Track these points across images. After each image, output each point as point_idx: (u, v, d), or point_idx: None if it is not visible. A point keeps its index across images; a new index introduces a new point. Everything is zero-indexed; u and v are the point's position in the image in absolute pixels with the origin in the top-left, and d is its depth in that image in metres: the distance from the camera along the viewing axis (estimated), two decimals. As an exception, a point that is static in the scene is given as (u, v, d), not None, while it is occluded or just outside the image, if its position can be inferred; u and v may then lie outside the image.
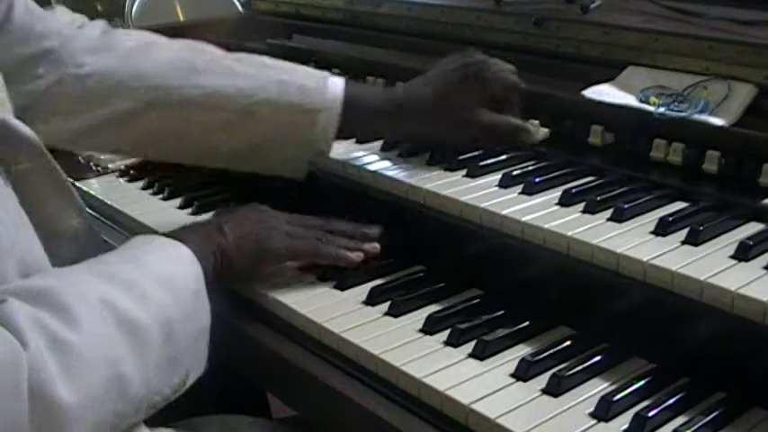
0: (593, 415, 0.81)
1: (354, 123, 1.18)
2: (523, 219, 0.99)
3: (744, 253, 0.88)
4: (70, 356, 0.75)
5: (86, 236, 0.98)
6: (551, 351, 0.90)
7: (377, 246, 1.09)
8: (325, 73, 1.20)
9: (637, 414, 0.79)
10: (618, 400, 0.82)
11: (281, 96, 1.15)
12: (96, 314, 0.79)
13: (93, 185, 1.47)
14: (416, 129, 1.18)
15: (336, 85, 1.16)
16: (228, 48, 1.76)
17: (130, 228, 1.30)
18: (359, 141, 1.27)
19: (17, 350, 0.71)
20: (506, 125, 1.17)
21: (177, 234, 0.97)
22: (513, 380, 0.87)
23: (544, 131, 1.19)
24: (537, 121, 1.20)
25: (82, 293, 0.80)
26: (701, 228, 0.92)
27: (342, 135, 1.19)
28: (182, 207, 1.34)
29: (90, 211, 1.25)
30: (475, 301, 1.01)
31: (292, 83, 1.16)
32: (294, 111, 1.15)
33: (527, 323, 0.95)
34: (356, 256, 1.06)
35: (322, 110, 1.15)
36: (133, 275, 0.86)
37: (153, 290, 0.86)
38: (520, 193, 1.06)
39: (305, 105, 1.15)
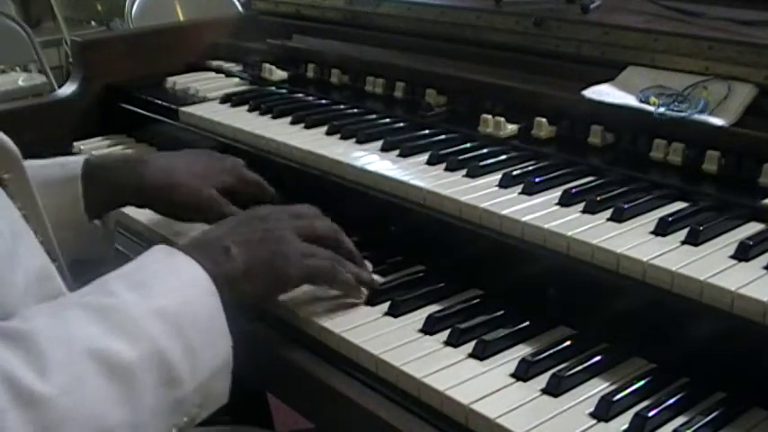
0: (593, 415, 0.81)
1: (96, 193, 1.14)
2: (523, 219, 0.99)
3: (744, 253, 0.88)
4: (40, 413, 0.69)
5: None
6: (551, 351, 0.90)
7: (379, 280, 1.05)
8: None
9: (637, 414, 0.79)
10: (618, 400, 0.82)
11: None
12: (78, 364, 0.73)
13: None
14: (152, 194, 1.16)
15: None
16: (229, 48, 1.77)
17: (129, 227, 1.30)
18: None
19: None
20: (221, 210, 1.16)
21: (192, 252, 0.89)
22: (513, 380, 0.87)
23: None
24: None
25: (66, 338, 0.74)
26: (701, 228, 0.92)
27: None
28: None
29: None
30: (475, 301, 1.01)
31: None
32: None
33: (527, 323, 0.95)
34: (363, 293, 1.01)
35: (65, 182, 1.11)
36: (133, 311, 0.79)
37: (153, 327, 0.79)
38: (520, 193, 1.06)
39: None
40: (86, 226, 1.13)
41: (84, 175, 1.13)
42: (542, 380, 0.86)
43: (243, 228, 0.97)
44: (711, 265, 0.86)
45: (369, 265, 1.06)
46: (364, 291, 1.01)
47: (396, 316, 0.99)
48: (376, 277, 1.05)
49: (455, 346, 0.92)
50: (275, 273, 0.94)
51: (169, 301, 0.82)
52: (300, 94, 1.54)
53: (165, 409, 0.78)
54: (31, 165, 0.95)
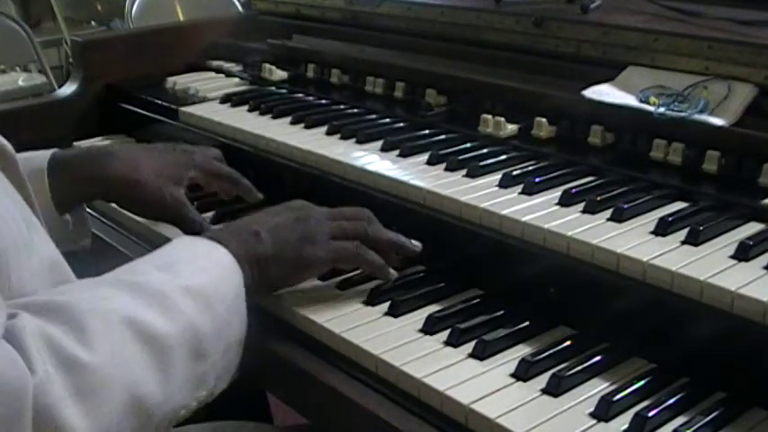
0: (593, 415, 0.81)
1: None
2: (523, 219, 0.99)
3: (744, 253, 0.88)
4: (82, 378, 0.71)
5: None
6: (551, 351, 0.90)
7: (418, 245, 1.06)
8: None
9: (637, 414, 0.79)
10: (618, 400, 0.82)
11: None
12: (116, 333, 0.76)
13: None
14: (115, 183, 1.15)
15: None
16: (229, 48, 1.77)
17: (129, 227, 1.30)
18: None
19: (22, 374, 0.68)
20: (189, 218, 1.16)
21: (218, 236, 0.93)
22: (513, 380, 0.87)
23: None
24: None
25: (102, 309, 0.76)
26: (701, 228, 0.92)
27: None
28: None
29: (89, 210, 1.24)
30: (475, 301, 1.01)
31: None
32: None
33: (527, 323, 0.95)
34: (393, 273, 1.03)
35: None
36: (164, 287, 0.82)
37: (184, 303, 0.82)
38: (520, 193, 1.06)
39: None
40: (57, 220, 1.11)
41: (50, 169, 1.11)
42: (542, 380, 0.86)
43: (272, 216, 1.00)
44: (711, 265, 0.86)
45: (417, 244, 1.06)
46: (393, 272, 1.03)
47: (396, 316, 0.99)
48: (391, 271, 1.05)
49: (455, 346, 0.92)
50: (303, 256, 0.97)
51: (198, 279, 0.85)
52: (300, 94, 1.54)
53: (192, 382, 0.82)
54: None
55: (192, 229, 1.14)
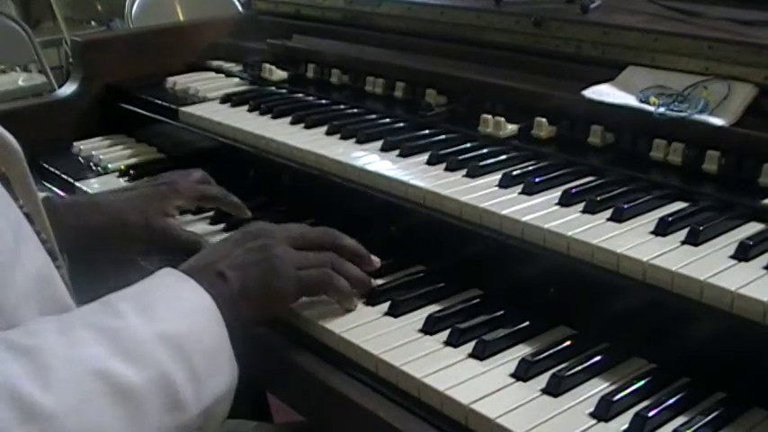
0: (593, 415, 0.81)
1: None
2: (523, 219, 0.99)
3: (744, 253, 0.88)
4: (42, 428, 0.67)
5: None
6: (551, 351, 0.90)
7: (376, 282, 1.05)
8: None
9: (637, 414, 0.79)
10: (618, 400, 0.82)
11: None
12: (84, 384, 0.72)
13: (93, 185, 1.47)
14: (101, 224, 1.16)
15: None
16: (229, 48, 1.77)
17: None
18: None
19: None
20: (183, 240, 1.17)
21: (195, 276, 0.88)
22: (513, 380, 0.87)
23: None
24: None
25: (72, 358, 0.73)
26: (701, 228, 0.92)
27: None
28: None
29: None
30: (475, 301, 1.01)
31: None
32: None
33: (527, 323, 0.95)
34: (355, 303, 1.01)
35: None
36: (140, 334, 0.78)
37: (159, 352, 0.78)
38: (520, 193, 1.06)
39: None
40: None
41: None
42: (542, 380, 0.86)
43: (235, 249, 0.96)
44: (711, 265, 0.86)
45: (376, 260, 1.05)
46: (356, 301, 1.01)
47: (396, 316, 0.99)
48: (377, 281, 1.03)
49: (455, 346, 0.92)
50: (271, 291, 0.94)
51: (175, 326, 0.81)
52: (300, 94, 1.54)
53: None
54: None
55: (189, 249, 1.14)
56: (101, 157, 1.56)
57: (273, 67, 1.63)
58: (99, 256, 1.19)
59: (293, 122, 1.39)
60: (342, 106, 1.45)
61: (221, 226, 1.25)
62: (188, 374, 0.79)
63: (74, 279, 0.93)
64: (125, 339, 0.77)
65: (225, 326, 0.85)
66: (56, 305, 0.82)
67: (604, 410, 0.81)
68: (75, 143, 1.64)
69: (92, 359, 0.74)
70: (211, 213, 1.27)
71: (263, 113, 1.45)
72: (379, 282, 1.05)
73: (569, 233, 0.94)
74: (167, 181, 1.23)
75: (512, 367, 0.88)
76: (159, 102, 1.60)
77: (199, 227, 1.25)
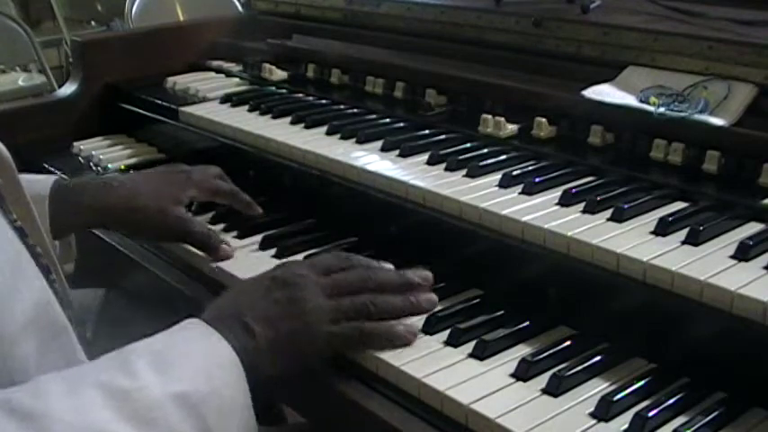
0: (593, 415, 0.81)
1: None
2: (523, 219, 0.99)
3: (744, 253, 0.88)
4: None
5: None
6: (551, 351, 0.90)
7: (434, 298, 0.97)
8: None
9: (637, 414, 0.79)
10: (618, 400, 0.82)
11: None
12: None
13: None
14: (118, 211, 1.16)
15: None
16: (229, 48, 1.77)
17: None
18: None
19: None
20: (196, 231, 1.16)
21: (218, 328, 0.83)
22: (513, 380, 0.87)
23: (226, 250, 1.16)
24: (229, 247, 1.16)
25: (78, 425, 0.70)
26: (701, 228, 0.92)
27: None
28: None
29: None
30: (475, 301, 1.01)
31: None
32: None
33: (527, 323, 0.95)
34: (409, 333, 0.93)
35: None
36: (153, 395, 0.74)
37: (172, 415, 0.73)
38: (520, 193, 1.06)
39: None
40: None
41: (52, 197, 1.12)
42: (542, 380, 0.86)
43: (263, 299, 0.89)
44: (711, 265, 0.86)
45: (424, 274, 0.97)
46: (410, 333, 0.93)
47: (396, 316, 0.99)
48: (433, 297, 0.97)
49: (455, 346, 0.92)
50: (300, 349, 0.88)
51: (194, 385, 0.76)
52: (300, 94, 1.54)
53: None
54: None
55: (202, 242, 1.15)
56: (101, 157, 1.57)
57: (273, 67, 1.63)
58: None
59: (293, 122, 1.39)
60: (342, 106, 1.45)
61: (221, 226, 1.25)
62: None
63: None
64: (136, 402, 0.73)
65: (246, 382, 0.80)
66: (53, 330, 0.80)
67: (604, 410, 0.81)
68: (75, 143, 1.65)
69: (99, 425, 0.70)
70: (212, 213, 1.27)
71: (263, 113, 1.45)
72: (435, 304, 1.00)
73: (569, 233, 0.94)
74: (184, 170, 1.24)
75: (512, 367, 0.88)
76: (159, 102, 1.60)
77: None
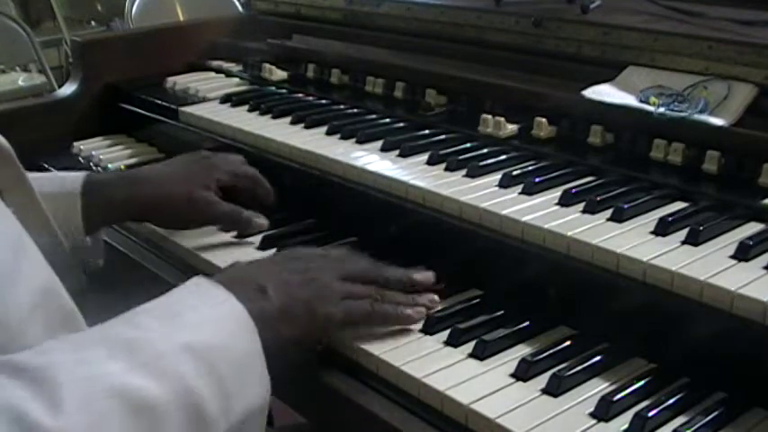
0: (593, 415, 0.81)
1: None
2: (523, 219, 0.99)
3: (744, 253, 0.88)
4: None
5: (52, 256, 0.83)
6: (551, 351, 0.90)
7: (436, 298, 0.99)
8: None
9: (637, 414, 0.79)
10: (618, 400, 0.82)
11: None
12: (98, 403, 0.67)
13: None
14: (148, 201, 1.17)
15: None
16: (229, 48, 1.77)
17: (130, 228, 1.30)
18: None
19: None
20: (226, 210, 1.18)
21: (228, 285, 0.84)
22: (513, 380, 0.87)
23: (260, 223, 1.20)
24: (263, 221, 1.19)
25: (85, 376, 0.68)
26: (701, 228, 0.92)
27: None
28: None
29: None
30: (475, 301, 1.01)
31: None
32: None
33: (527, 323, 0.95)
34: (416, 312, 0.95)
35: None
36: (162, 346, 0.73)
37: (183, 365, 0.73)
38: (520, 193, 1.06)
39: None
40: (78, 241, 1.12)
41: (84, 191, 1.13)
42: (542, 380, 0.86)
43: (277, 266, 0.92)
44: (711, 265, 0.86)
45: (425, 275, 1.00)
46: (413, 314, 0.96)
47: (396, 316, 0.99)
48: (435, 297, 0.99)
49: (455, 346, 0.92)
50: (314, 315, 0.89)
51: (202, 335, 0.76)
52: (300, 94, 1.54)
53: None
54: (32, 177, 0.95)
55: (233, 221, 1.18)
56: (101, 157, 1.57)
57: (273, 67, 1.63)
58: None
59: (293, 122, 1.39)
60: (342, 106, 1.45)
61: (221, 226, 1.25)
62: (215, 388, 0.74)
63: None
64: (144, 351, 0.72)
65: (259, 338, 0.80)
66: (61, 315, 0.80)
67: (604, 410, 0.81)
68: (75, 143, 1.65)
69: (107, 376, 0.69)
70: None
71: (263, 113, 1.45)
72: (437, 304, 1.01)
73: (569, 233, 0.94)
74: (208, 155, 1.25)
75: (512, 367, 0.88)
76: (159, 102, 1.60)
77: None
